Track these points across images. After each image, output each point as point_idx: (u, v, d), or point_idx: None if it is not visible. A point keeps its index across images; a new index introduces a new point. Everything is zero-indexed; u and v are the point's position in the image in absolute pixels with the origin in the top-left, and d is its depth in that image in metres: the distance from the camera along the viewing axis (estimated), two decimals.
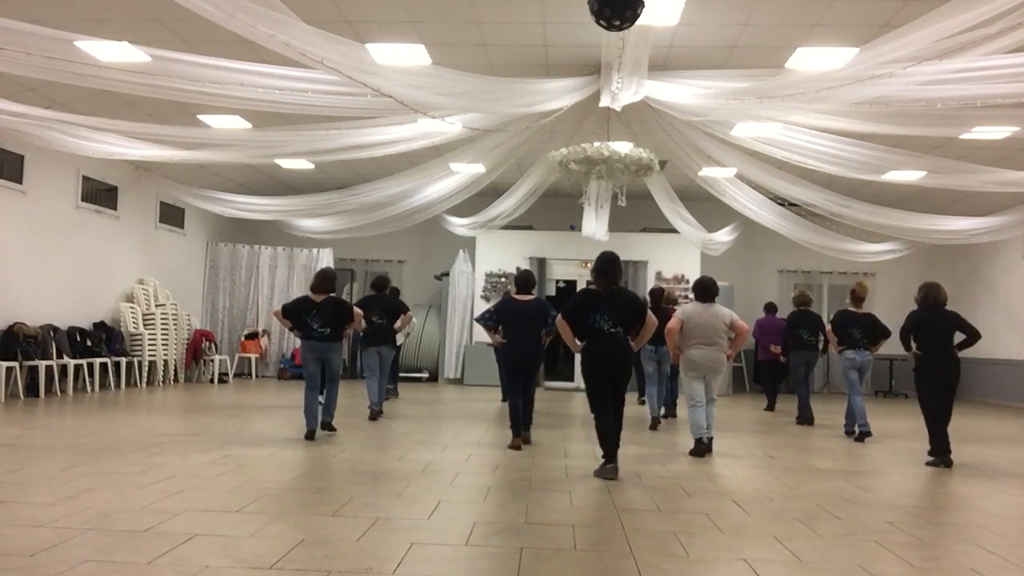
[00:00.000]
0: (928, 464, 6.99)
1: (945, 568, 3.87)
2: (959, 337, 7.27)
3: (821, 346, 10.46)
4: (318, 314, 7.66)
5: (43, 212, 11.31)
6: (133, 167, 13.18)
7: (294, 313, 7.79)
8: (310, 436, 7.49)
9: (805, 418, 10.04)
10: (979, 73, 6.60)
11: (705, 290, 7.33)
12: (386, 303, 9.78)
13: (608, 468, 5.95)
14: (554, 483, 5.70)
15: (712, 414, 7.24)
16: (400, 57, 8.28)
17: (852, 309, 8.97)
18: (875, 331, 8.90)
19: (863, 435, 8.52)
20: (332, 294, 7.90)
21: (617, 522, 4.57)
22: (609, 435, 6.00)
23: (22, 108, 8.44)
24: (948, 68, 6.41)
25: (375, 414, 9.27)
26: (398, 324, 9.76)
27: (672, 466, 6.57)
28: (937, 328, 7.23)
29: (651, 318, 6.22)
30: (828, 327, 9.32)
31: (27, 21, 6.84)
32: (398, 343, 11.98)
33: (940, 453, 6.99)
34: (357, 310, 8.17)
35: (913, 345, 7.28)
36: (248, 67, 7.11)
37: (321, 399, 7.84)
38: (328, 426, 7.84)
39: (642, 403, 12.40)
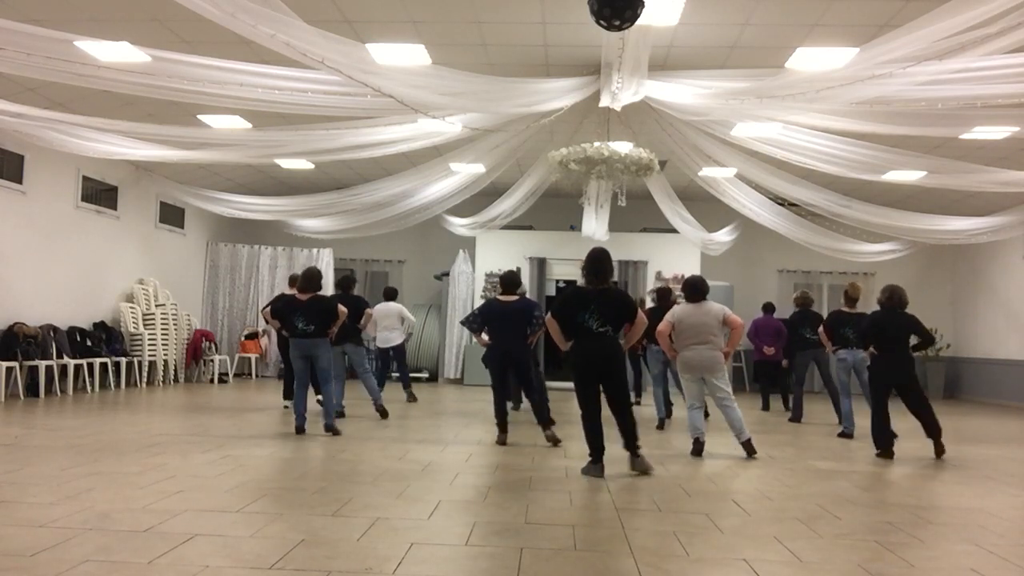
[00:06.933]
0: (877, 455, 7.42)
1: (945, 568, 3.87)
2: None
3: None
4: (303, 313, 7.92)
5: (43, 212, 11.31)
6: (133, 167, 13.18)
7: (282, 314, 8.14)
8: (299, 431, 7.80)
9: (796, 417, 10.33)
10: (979, 73, 6.60)
11: (695, 289, 7.30)
12: (351, 302, 9.57)
13: (595, 467, 6.01)
14: (554, 483, 5.70)
15: (734, 416, 7.11)
16: (400, 57, 8.28)
17: (846, 310, 9.09)
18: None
19: (844, 435, 8.79)
20: (318, 293, 8.15)
21: (617, 522, 4.57)
22: (596, 434, 6.06)
23: (22, 108, 8.44)
24: (948, 68, 6.41)
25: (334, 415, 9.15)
26: (361, 323, 9.64)
27: (672, 466, 6.57)
28: (894, 329, 7.52)
29: (641, 318, 6.21)
30: (822, 327, 9.37)
31: (27, 21, 6.85)
32: (399, 341, 11.82)
33: (884, 448, 7.42)
34: (342, 308, 8.25)
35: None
36: (248, 67, 7.11)
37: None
38: (330, 428, 7.86)
39: (636, 403, 12.30)
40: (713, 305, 7.26)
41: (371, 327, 10.77)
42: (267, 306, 9.57)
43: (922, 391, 7.55)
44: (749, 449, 7.09)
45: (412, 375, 15.75)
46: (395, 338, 11.70)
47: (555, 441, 7.41)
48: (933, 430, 7.42)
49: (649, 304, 11.51)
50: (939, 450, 7.39)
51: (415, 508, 4.77)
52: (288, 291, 10.09)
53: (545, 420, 7.59)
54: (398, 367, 11.95)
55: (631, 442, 6.07)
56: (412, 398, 11.71)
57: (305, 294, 8.05)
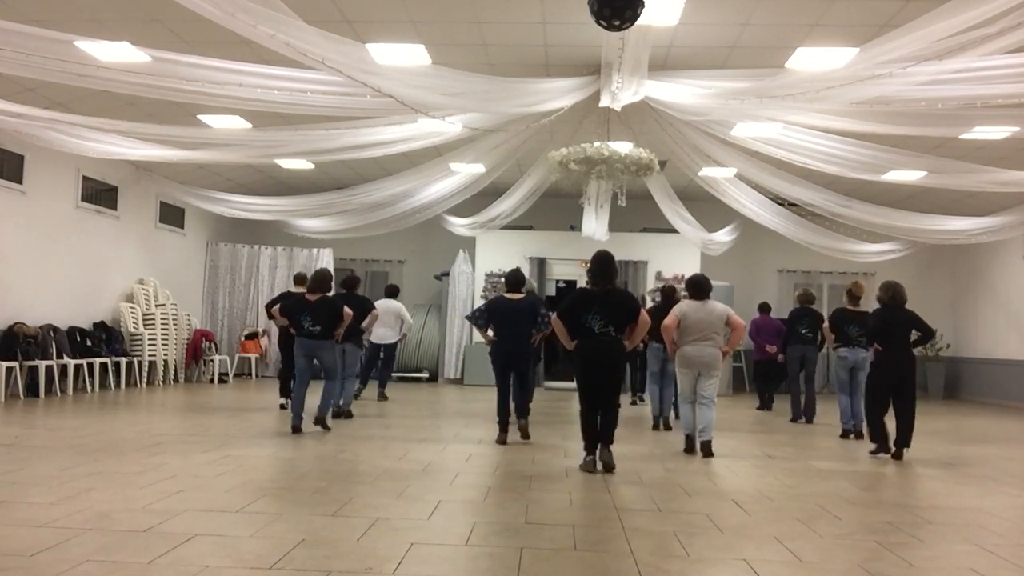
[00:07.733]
0: (871, 453, 7.44)
1: (945, 568, 3.87)
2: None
3: (819, 342, 10.44)
4: (311, 313, 7.99)
5: (43, 212, 11.31)
6: (133, 167, 13.18)
7: (290, 312, 8.19)
8: (295, 430, 7.81)
9: (796, 416, 10.36)
10: (979, 73, 6.60)
11: (699, 287, 7.38)
12: (357, 302, 9.54)
13: (587, 461, 6.24)
14: (554, 483, 5.70)
15: (707, 416, 7.17)
16: (400, 57, 8.28)
17: (850, 308, 9.07)
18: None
19: (846, 432, 8.77)
20: (327, 294, 8.22)
21: (617, 522, 4.57)
22: (590, 430, 6.29)
23: (22, 108, 8.44)
24: (948, 68, 6.41)
25: (339, 413, 9.23)
26: (365, 323, 9.68)
27: (672, 466, 6.58)
28: (897, 326, 7.57)
29: (644, 318, 6.34)
30: (826, 325, 9.34)
31: (27, 22, 6.85)
32: (394, 340, 11.83)
33: (881, 441, 7.43)
34: (347, 310, 8.29)
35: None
36: (248, 67, 7.11)
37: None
38: (321, 422, 8.05)
39: (636, 402, 12.14)
40: (717, 304, 7.35)
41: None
42: (273, 303, 9.49)
43: (915, 396, 7.46)
44: (706, 450, 7.09)
45: (412, 375, 15.90)
46: (390, 336, 11.70)
47: (526, 434, 7.66)
48: (904, 439, 7.33)
49: (651, 303, 11.36)
50: (898, 455, 7.32)
51: (415, 508, 4.77)
52: (295, 290, 10.09)
53: (526, 413, 7.78)
54: (383, 365, 11.95)
55: (606, 438, 6.28)
56: (383, 398, 11.74)
57: (314, 295, 8.11)
